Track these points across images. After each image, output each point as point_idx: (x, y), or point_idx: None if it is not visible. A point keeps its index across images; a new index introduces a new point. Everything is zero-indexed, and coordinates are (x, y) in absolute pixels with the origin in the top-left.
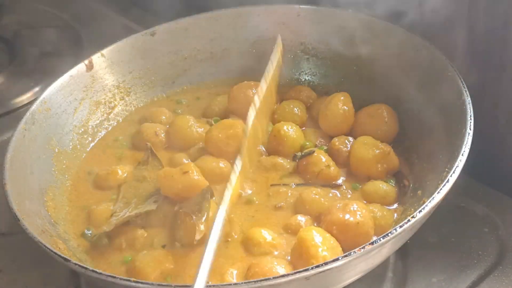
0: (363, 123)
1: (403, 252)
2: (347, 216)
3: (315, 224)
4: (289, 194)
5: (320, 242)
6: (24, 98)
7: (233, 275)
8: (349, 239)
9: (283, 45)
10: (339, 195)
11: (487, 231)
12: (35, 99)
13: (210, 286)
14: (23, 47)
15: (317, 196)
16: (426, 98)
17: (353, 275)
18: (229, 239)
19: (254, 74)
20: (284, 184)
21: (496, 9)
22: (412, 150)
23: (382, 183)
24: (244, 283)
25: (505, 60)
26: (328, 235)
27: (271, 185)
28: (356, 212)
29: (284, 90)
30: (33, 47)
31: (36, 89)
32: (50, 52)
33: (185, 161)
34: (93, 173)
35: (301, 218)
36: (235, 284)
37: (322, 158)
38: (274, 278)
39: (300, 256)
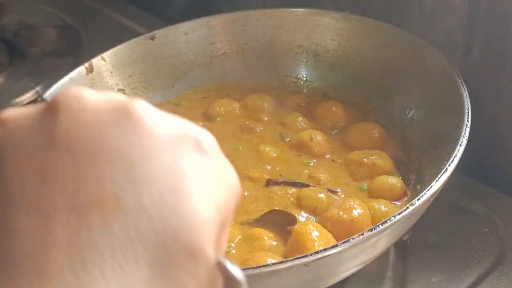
0: (353, 137)
1: (403, 252)
2: (341, 213)
3: (313, 219)
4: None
5: (317, 237)
6: (24, 98)
7: None
8: (343, 236)
9: None
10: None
11: (487, 231)
12: (35, 99)
13: None
14: (23, 47)
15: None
16: (424, 97)
17: (352, 266)
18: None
19: (253, 77)
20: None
21: (496, 9)
22: (410, 146)
23: (388, 177)
24: (243, 269)
25: (505, 60)
26: (325, 230)
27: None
28: (351, 209)
29: (282, 92)
30: (33, 47)
31: (36, 89)
32: (50, 52)
33: None
34: None
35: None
36: None
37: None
38: (273, 264)
39: (296, 250)
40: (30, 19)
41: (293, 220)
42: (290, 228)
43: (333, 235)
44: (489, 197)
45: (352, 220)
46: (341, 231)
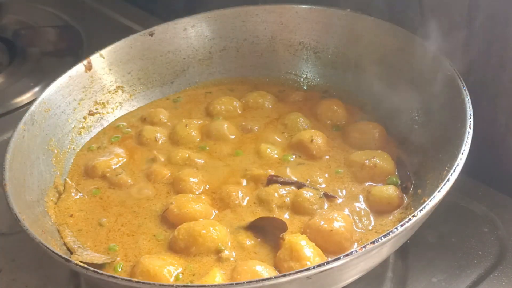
0: (353, 137)
1: (403, 252)
2: (322, 222)
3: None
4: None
5: (306, 245)
6: (24, 98)
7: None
8: (321, 244)
9: None
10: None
11: (487, 231)
12: (34, 99)
13: (210, 285)
14: (23, 47)
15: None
16: (425, 98)
17: (354, 274)
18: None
19: (253, 73)
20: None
21: (496, 9)
22: (412, 149)
23: (383, 189)
24: (246, 282)
25: (505, 60)
26: (309, 240)
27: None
28: (333, 220)
29: (282, 88)
30: (33, 47)
31: (36, 89)
32: (50, 52)
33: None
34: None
35: None
36: (237, 283)
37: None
38: (276, 277)
39: (290, 258)
40: (30, 19)
41: (283, 225)
42: (282, 235)
43: (312, 241)
44: (489, 197)
45: (331, 230)
46: (319, 238)
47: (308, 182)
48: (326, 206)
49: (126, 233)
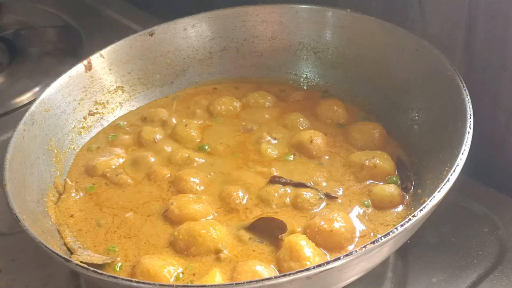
0: (353, 137)
1: (403, 252)
2: (322, 223)
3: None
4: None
5: (306, 245)
6: (24, 98)
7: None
8: (321, 244)
9: None
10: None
11: (487, 231)
12: (34, 99)
13: (210, 285)
14: (23, 47)
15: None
16: (425, 98)
17: (354, 274)
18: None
19: (253, 73)
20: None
21: (496, 9)
22: (412, 149)
23: (385, 187)
24: (246, 282)
25: (505, 60)
26: (309, 240)
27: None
28: (333, 220)
29: (283, 88)
30: (33, 47)
31: (36, 89)
32: (50, 52)
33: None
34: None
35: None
36: (237, 283)
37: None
38: (276, 277)
39: (290, 258)
40: (30, 19)
41: (283, 226)
42: (282, 236)
43: (312, 241)
44: (489, 197)
45: (331, 231)
46: (319, 239)
47: (308, 182)
48: (326, 206)
49: (127, 234)
